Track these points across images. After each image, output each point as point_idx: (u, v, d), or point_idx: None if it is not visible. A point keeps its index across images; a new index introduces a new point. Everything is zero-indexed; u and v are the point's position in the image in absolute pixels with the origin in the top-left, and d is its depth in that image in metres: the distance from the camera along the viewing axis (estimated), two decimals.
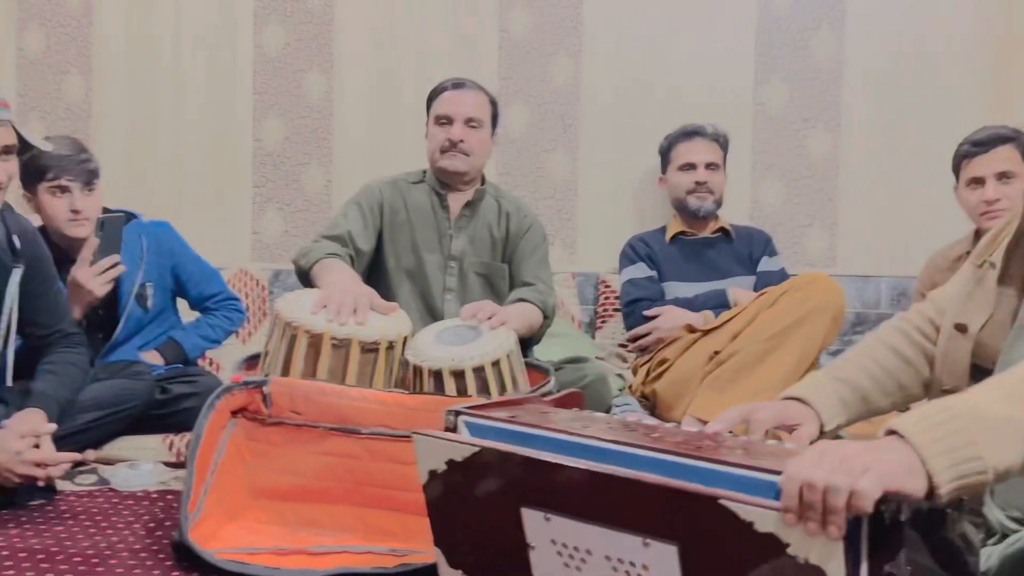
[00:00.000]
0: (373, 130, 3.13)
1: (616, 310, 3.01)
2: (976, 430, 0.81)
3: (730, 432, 1.16)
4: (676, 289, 2.67)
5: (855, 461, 0.79)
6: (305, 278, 2.08)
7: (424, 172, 2.33)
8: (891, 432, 0.85)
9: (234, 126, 3.15)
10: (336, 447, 1.54)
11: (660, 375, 2.42)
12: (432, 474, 1.09)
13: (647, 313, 2.59)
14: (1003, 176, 2.23)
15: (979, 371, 1.15)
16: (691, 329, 2.42)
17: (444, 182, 2.28)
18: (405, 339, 1.74)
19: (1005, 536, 1.10)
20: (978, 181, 2.26)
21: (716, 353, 2.28)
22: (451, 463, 1.06)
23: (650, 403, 2.46)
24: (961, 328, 1.16)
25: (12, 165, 1.72)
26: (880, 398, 1.26)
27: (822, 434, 1.22)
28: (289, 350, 1.66)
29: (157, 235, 2.30)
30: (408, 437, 1.14)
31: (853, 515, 0.79)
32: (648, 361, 2.51)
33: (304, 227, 3.13)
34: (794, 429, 1.22)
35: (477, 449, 1.04)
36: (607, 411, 2.14)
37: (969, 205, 2.30)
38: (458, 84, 2.29)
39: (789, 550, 0.81)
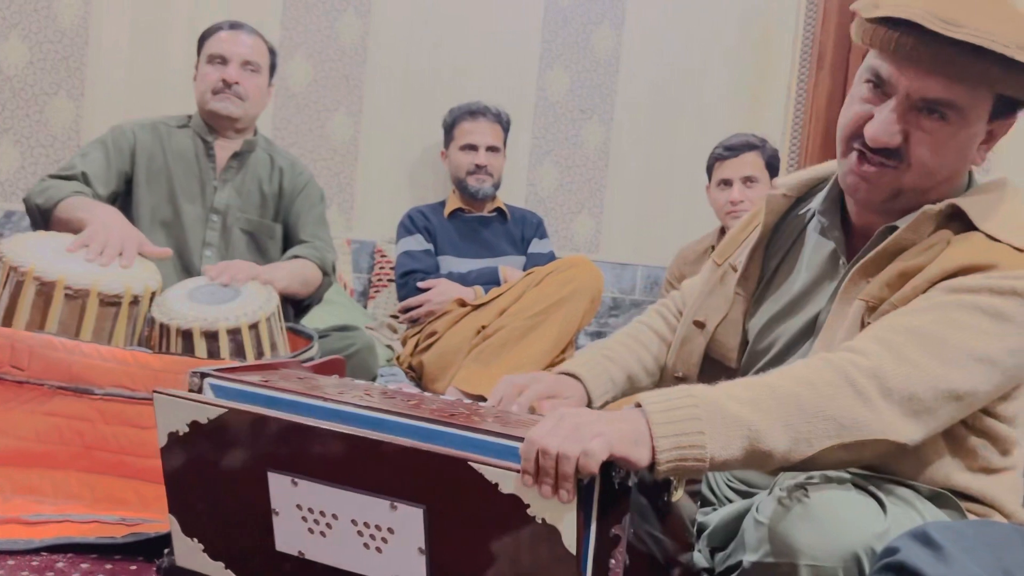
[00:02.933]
0: (135, 66, 2.86)
1: (391, 280, 2.99)
2: (708, 420, 0.88)
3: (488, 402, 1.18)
4: (451, 264, 2.70)
5: (588, 429, 0.84)
6: (42, 219, 1.85)
7: (189, 117, 2.16)
8: (638, 405, 0.90)
9: None
10: (64, 408, 1.40)
11: (428, 347, 2.44)
12: (172, 436, 1.03)
13: (421, 285, 2.60)
14: (748, 180, 2.46)
15: (711, 363, 1.24)
16: (462, 303, 2.46)
17: (212, 128, 2.13)
18: (153, 294, 1.61)
19: (723, 504, 1.22)
20: (727, 183, 2.48)
21: (483, 327, 2.34)
22: (195, 425, 1.01)
23: (417, 374, 2.47)
24: (699, 324, 1.25)
25: None
26: (644, 378, 1.33)
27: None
28: (13, 298, 1.48)
29: None
30: (149, 400, 1.06)
31: (583, 478, 0.83)
32: (418, 333, 2.52)
33: (46, 165, 2.80)
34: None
35: (224, 410, 0.99)
36: (372, 380, 2.12)
37: (717, 204, 2.52)
38: (235, 25, 2.16)
39: (529, 511, 0.85)
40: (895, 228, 1.06)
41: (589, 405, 1.26)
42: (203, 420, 1.00)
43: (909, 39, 0.98)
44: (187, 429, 1.02)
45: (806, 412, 0.90)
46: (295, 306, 2.10)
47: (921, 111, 1.02)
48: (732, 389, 0.92)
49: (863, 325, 1.03)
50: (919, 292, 0.99)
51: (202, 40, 2.16)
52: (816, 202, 1.19)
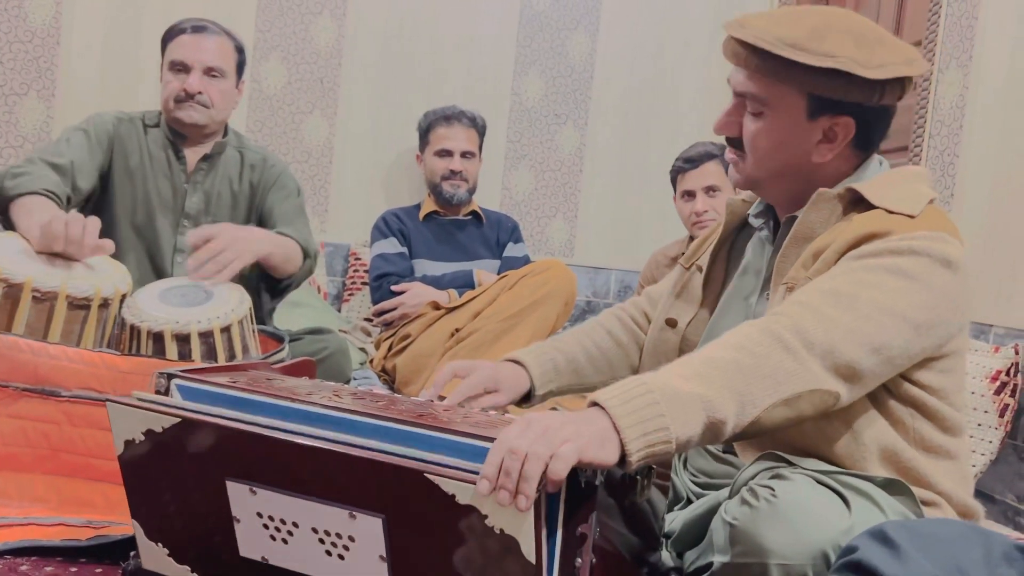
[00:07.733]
0: (107, 66, 2.84)
1: (365, 283, 2.99)
2: (665, 404, 0.90)
3: (441, 397, 1.20)
4: (425, 267, 2.70)
5: (557, 433, 0.84)
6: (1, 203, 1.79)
7: (160, 114, 2.11)
8: (594, 403, 0.91)
9: None
10: (30, 410, 1.38)
11: (402, 350, 2.44)
12: (128, 444, 1.01)
13: (395, 288, 2.60)
14: (710, 190, 2.46)
15: None
16: (436, 306, 2.46)
17: (179, 133, 2.09)
18: (123, 296, 1.59)
19: (691, 501, 1.23)
20: (690, 194, 2.49)
21: (457, 330, 2.35)
22: (150, 433, 0.99)
23: (390, 378, 2.47)
24: (671, 323, 1.29)
25: None
26: (591, 374, 1.36)
27: (529, 398, 1.30)
28: None
29: None
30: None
31: (546, 486, 0.83)
32: (392, 336, 2.52)
33: None
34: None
35: (178, 419, 0.97)
36: (345, 384, 2.11)
37: (683, 215, 2.53)
38: (198, 28, 2.06)
39: (487, 521, 0.84)
40: (796, 217, 1.16)
41: (531, 392, 1.30)
42: (158, 429, 0.98)
43: (729, 43, 1.15)
44: (143, 437, 1.00)
45: (746, 374, 0.95)
46: (270, 287, 2.04)
47: (746, 106, 1.16)
48: (676, 369, 0.96)
49: None
50: (829, 264, 1.07)
51: (165, 40, 2.09)
52: (755, 206, 1.27)
